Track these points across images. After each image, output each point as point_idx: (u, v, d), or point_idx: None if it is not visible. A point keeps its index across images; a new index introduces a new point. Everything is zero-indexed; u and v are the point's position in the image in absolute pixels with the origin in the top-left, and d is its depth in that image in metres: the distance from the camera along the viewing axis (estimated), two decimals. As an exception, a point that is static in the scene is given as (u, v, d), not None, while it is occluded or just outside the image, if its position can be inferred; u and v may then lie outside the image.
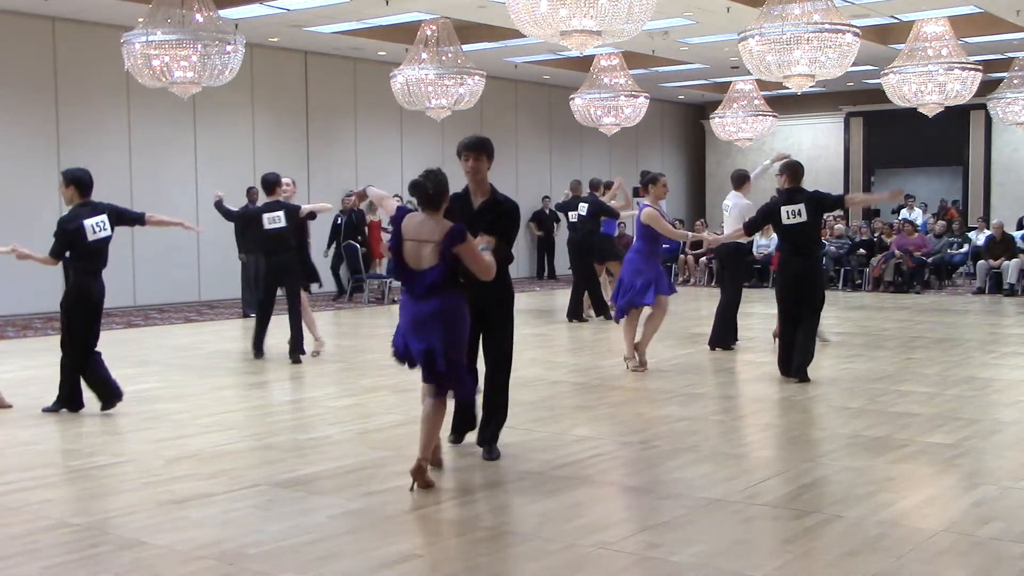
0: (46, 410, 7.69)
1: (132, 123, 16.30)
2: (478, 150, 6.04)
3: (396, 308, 14.30)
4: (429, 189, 5.41)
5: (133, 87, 14.51)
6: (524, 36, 10.95)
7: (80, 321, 7.62)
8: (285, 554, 4.44)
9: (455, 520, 4.97)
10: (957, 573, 4.19)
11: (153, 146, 16.52)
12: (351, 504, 5.20)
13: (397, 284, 17.39)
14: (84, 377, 7.71)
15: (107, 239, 7.67)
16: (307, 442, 6.71)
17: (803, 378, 8.62)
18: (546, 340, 12.08)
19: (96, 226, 7.56)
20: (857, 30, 12.05)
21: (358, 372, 9.80)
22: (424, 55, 14.62)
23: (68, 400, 7.71)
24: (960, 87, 15.15)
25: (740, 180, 11.01)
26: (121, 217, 7.86)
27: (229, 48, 11.64)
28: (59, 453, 6.58)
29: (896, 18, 16.67)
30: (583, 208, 13.70)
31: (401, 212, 5.58)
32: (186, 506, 5.21)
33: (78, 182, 7.65)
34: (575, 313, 13.76)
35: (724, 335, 10.93)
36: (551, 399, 8.12)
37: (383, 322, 14.45)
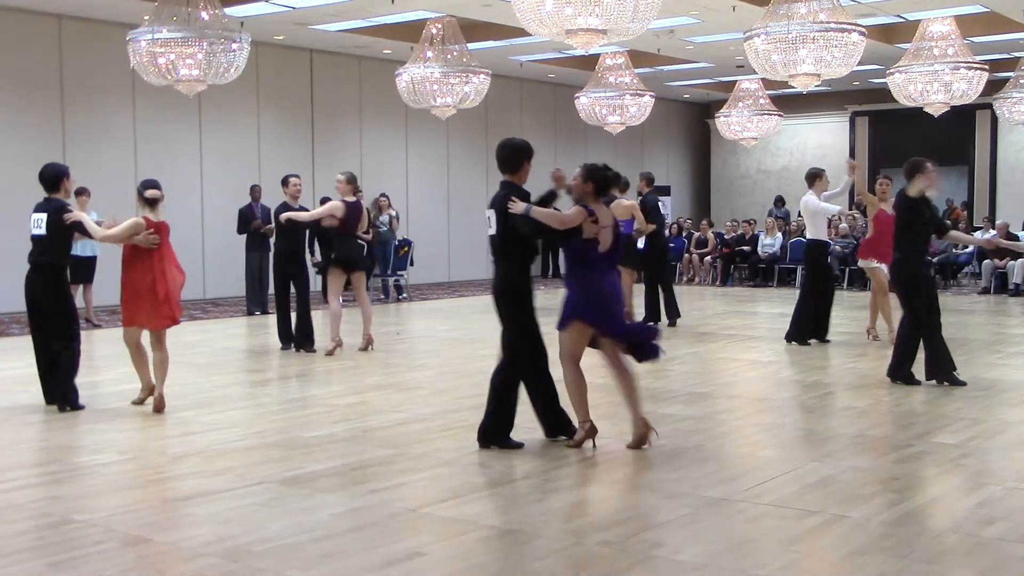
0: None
1: (137, 121, 16.32)
2: None
3: (401, 307, 13.95)
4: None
5: (139, 85, 14.54)
6: (529, 35, 10.94)
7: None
8: (289, 551, 4.44)
9: (458, 518, 4.97)
10: (962, 573, 4.18)
11: (159, 144, 16.53)
12: (355, 502, 5.21)
13: (403, 282, 17.47)
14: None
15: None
16: (311, 440, 6.72)
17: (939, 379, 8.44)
18: (551, 339, 12.05)
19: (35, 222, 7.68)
20: (863, 29, 12.04)
21: (363, 370, 9.80)
22: (429, 53, 14.63)
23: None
24: (966, 87, 15.13)
25: (811, 178, 11.06)
26: None
27: (235, 46, 11.65)
28: (64, 450, 6.58)
29: (902, 17, 16.64)
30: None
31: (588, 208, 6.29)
32: (190, 503, 5.22)
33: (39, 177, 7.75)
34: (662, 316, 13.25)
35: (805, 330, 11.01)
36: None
37: (388, 320, 14.45)
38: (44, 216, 7.63)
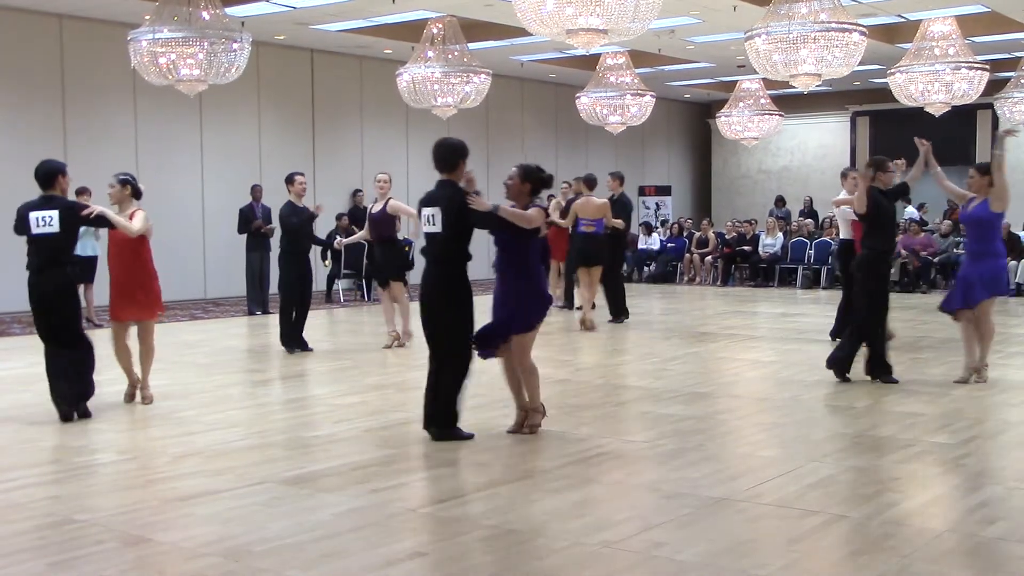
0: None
1: (139, 120, 16.33)
2: None
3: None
4: None
5: (140, 84, 14.54)
6: (530, 34, 10.95)
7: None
8: (290, 551, 4.45)
9: (459, 518, 4.97)
10: (962, 573, 4.18)
11: (159, 144, 16.54)
12: (356, 502, 5.21)
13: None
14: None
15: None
16: (312, 440, 6.72)
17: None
18: (551, 339, 12.06)
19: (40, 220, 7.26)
20: (864, 29, 12.05)
21: (364, 370, 9.80)
22: (430, 53, 14.64)
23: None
24: (967, 86, 15.14)
25: (842, 177, 11.12)
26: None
27: (235, 46, 11.66)
28: (64, 450, 6.59)
29: (903, 17, 16.64)
30: None
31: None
32: (191, 503, 5.22)
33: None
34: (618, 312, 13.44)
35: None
36: (555, 397, 8.11)
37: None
38: (55, 213, 7.21)
